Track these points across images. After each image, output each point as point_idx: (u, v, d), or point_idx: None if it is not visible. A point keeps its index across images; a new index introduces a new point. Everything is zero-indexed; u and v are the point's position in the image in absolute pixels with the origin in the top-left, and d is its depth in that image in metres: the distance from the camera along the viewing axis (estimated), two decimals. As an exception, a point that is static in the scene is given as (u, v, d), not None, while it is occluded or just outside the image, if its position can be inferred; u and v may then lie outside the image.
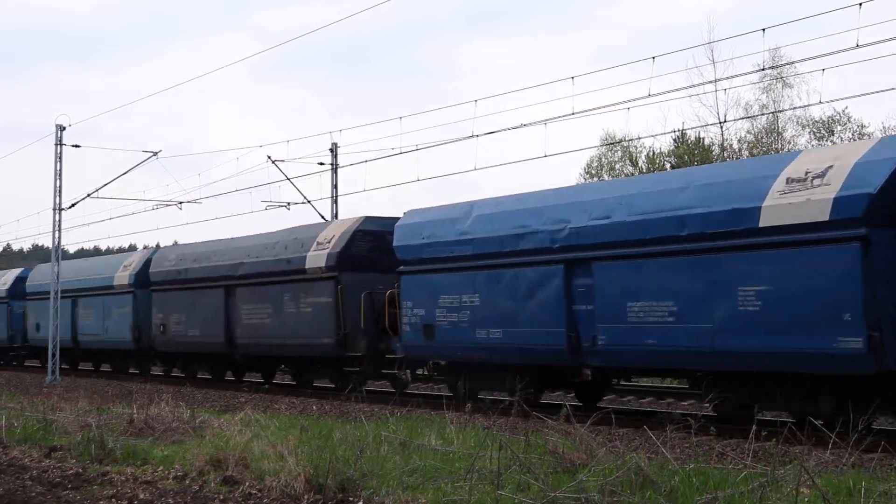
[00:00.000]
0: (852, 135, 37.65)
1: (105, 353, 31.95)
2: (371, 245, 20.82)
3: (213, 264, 25.18)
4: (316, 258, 21.16)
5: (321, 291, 20.94)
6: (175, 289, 26.73)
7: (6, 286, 37.07)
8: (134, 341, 28.31)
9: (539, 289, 15.61)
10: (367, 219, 21.20)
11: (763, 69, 31.52)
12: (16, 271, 38.71)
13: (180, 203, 32.92)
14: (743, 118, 38.78)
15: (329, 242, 21.01)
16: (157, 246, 35.04)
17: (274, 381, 25.54)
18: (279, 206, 32.19)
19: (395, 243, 18.77)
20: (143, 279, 28.24)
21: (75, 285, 31.39)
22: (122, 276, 29.26)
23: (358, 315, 19.96)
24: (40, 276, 34.68)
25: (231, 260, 24.52)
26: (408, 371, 21.14)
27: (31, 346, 35.68)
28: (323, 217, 31.28)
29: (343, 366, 20.83)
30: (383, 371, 20.25)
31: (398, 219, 19.51)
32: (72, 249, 73.59)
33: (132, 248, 63.90)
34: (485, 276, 16.65)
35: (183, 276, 26.40)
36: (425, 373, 19.67)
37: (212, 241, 27.09)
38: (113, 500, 9.14)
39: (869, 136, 36.57)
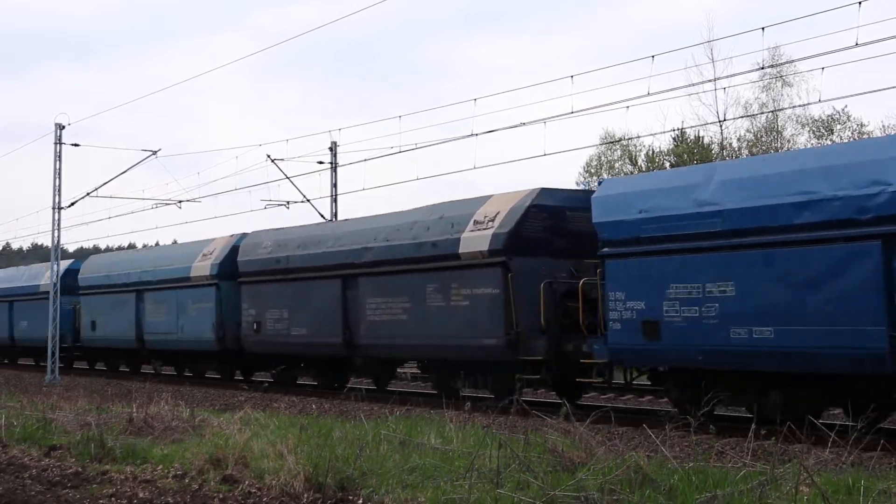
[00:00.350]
0: (852, 133, 37.70)
1: (179, 355, 27.80)
2: (546, 223, 17.03)
3: (326, 250, 21.03)
4: (475, 240, 17.32)
5: (483, 281, 17.09)
6: (272, 280, 22.52)
7: (53, 279, 32.86)
8: (217, 341, 24.29)
9: (836, 274, 12.00)
10: (543, 191, 17.41)
11: (762, 68, 31.60)
12: (64, 263, 33.70)
13: (179, 202, 33.02)
14: (742, 117, 38.87)
15: (492, 220, 17.18)
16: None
17: (389, 389, 21.16)
18: (278, 205, 32.28)
19: (595, 219, 15.03)
20: (229, 269, 24.24)
21: (139, 277, 28.05)
22: (202, 267, 25.16)
23: (536, 309, 16.25)
24: (96, 267, 31.28)
25: (351, 244, 20.36)
26: (412, 369, 20.93)
27: (84, 348, 31.90)
28: (322, 216, 31.30)
29: (514, 372, 16.79)
30: (578, 380, 16.26)
31: (579, 192, 16.89)
32: (71, 248, 73.74)
33: (132, 246, 63.22)
34: (744, 258, 13.01)
35: (283, 265, 22.23)
36: (606, 381, 15.93)
37: (320, 223, 23.07)
38: (112, 498, 9.15)
39: (868, 134, 36.63)
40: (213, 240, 26.08)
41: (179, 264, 26.28)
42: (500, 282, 16.73)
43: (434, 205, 19.37)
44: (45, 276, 33.36)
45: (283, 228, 23.88)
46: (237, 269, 23.84)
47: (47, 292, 32.16)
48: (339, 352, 20.71)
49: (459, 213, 18.17)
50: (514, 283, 16.54)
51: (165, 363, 29.34)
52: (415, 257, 18.58)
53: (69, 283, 31.87)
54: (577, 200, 16.88)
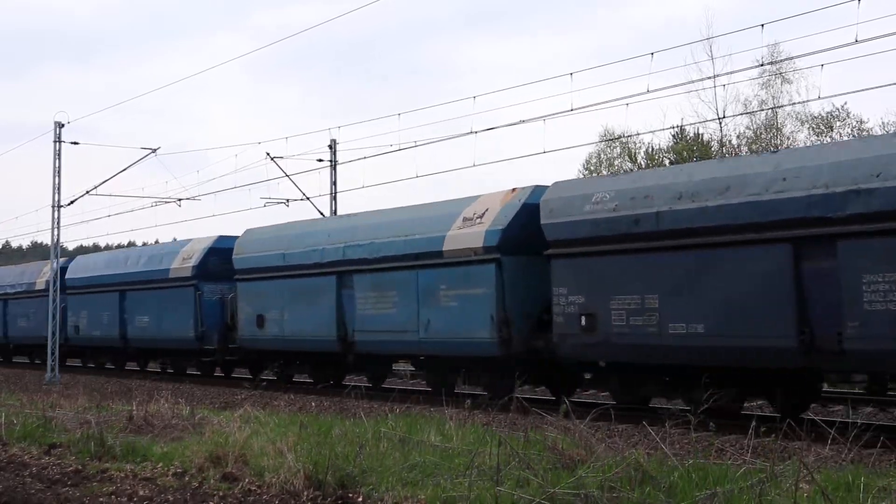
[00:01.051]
0: (851, 130, 37.72)
1: (409, 360, 21.15)
2: None
3: (752, 199, 13.31)
4: None
5: None
6: (620, 251, 14.93)
7: (191, 262, 25.89)
8: (499, 343, 16.77)
9: None
10: None
11: (762, 65, 31.62)
12: (205, 240, 26.49)
13: (179, 200, 32.95)
14: (742, 114, 38.93)
15: None
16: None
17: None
18: (278, 203, 32.25)
19: None
20: (517, 238, 16.87)
21: (342, 254, 20.43)
22: (467, 236, 17.51)
23: None
24: (261, 243, 23.41)
25: (815, 185, 12.66)
26: (408, 368, 20.80)
27: (243, 349, 24.24)
28: (322, 214, 31.26)
29: None
30: None
31: None
32: (70, 247, 73.60)
33: (131, 244, 62.48)
34: None
35: (645, 228, 14.58)
36: None
37: (719, 160, 14.75)
38: (112, 496, 9.15)
39: (868, 131, 36.67)
40: (477, 198, 18.33)
41: (420, 233, 18.58)
42: None
43: None
44: (177, 258, 26.65)
45: (628, 174, 16.64)
46: (540, 237, 16.17)
47: (180, 278, 26.12)
48: (790, 361, 13.16)
49: None
50: None
51: (372, 371, 22.01)
52: None
53: (214, 266, 25.46)
54: None
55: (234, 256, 23.92)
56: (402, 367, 23.76)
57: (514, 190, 17.63)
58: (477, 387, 18.52)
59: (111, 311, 29.06)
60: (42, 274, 33.86)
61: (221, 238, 26.01)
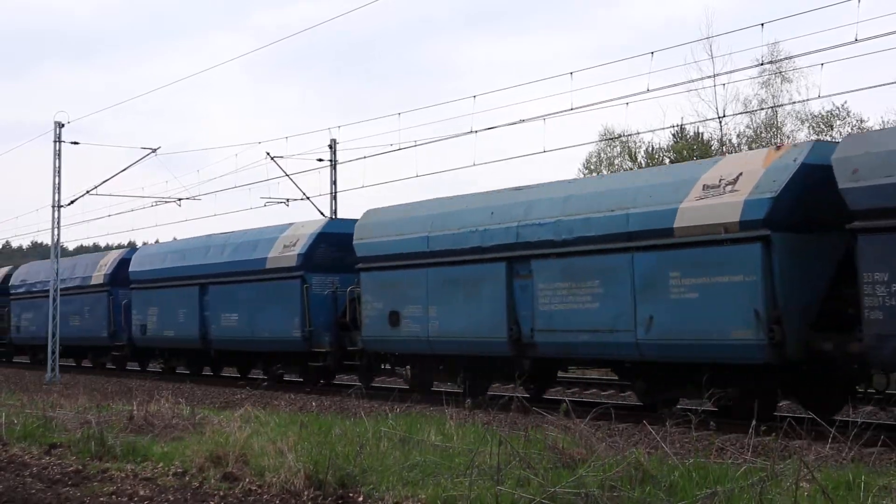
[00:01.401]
0: (851, 129, 37.72)
1: (614, 366, 16.53)
2: None
3: None
4: None
5: None
6: None
7: (296, 249, 21.91)
8: (770, 347, 12.66)
9: None
10: None
11: (762, 64, 31.61)
12: (312, 224, 22.64)
13: (179, 200, 32.93)
14: (742, 113, 38.95)
15: None
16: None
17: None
18: (278, 203, 32.24)
19: None
20: (792, 209, 12.80)
21: (516, 235, 16.33)
22: (712, 208, 13.45)
23: None
24: (386, 226, 19.40)
25: None
26: (408, 367, 20.68)
27: (362, 352, 20.47)
28: (322, 213, 31.24)
29: None
30: None
31: None
32: (71, 246, 73.65)
33: (131, 244, 62.60)
34: None
35: None
36: None
37: None
38: (113, 496, 9.15)
39: (868, 130, 36.69)
40: (719, 160, 14.87)
41: (637, 207, 14.46)
42: None
43: None
44: (275, 245, 22.63)
45: None
46: (825, 208, 12.49)
47: (282, 268, 22.09)
48: None
49: None
50: None
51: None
52: None
53: (324, 254, 21.73)
54: None
55: (355, 242, 19.87)
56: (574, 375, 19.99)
57: (778, 147, 13.77)
58: (710, 401, 13.34)
59: (188, 308, 25.11)
60: (100, 267, 30.63)
61: (332, 221, 22.79)
